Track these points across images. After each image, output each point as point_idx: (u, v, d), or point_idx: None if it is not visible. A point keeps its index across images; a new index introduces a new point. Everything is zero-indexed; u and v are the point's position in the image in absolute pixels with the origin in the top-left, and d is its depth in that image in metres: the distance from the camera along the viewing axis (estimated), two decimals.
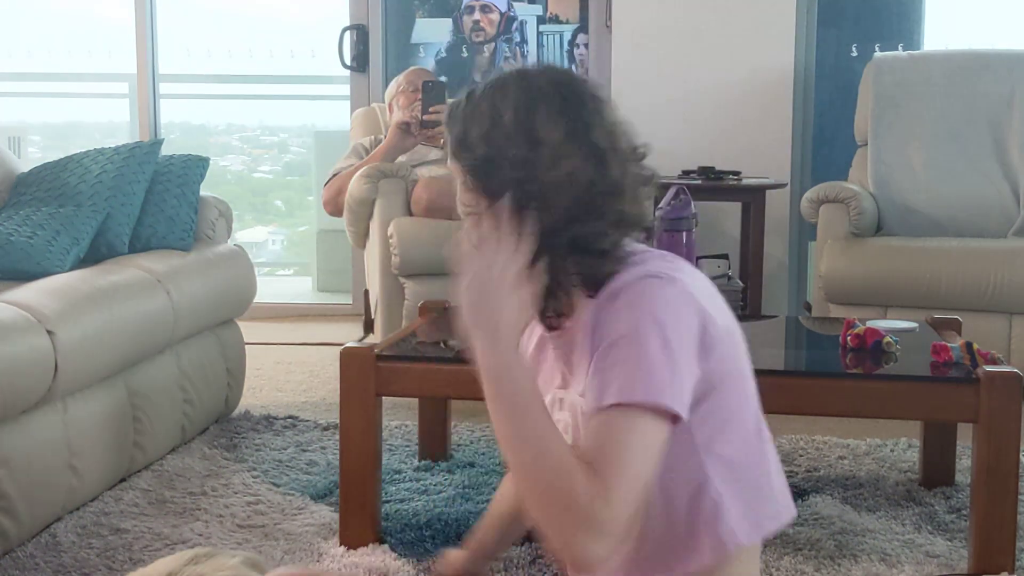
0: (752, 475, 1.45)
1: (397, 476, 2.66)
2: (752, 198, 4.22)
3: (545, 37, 5.11)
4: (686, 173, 4.30)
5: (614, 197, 1.41)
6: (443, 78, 3.98)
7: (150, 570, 1.80)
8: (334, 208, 3.83)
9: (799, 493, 2.54)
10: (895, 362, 2.23)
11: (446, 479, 2.64)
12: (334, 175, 3.93)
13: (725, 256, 4.19)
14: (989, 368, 2.04)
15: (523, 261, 1.35)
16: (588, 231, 1.40)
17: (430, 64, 5.11)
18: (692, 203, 2.25)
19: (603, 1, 4.72)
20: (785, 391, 2.08)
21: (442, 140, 3.86)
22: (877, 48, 4.75)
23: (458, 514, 2.38)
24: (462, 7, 5.16)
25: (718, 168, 4.31)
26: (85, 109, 7.08)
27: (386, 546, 2.21)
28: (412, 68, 4.23)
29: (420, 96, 3.85)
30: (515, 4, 5.11)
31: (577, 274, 1.42)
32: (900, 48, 4.78)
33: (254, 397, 3.51)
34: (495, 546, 1.79)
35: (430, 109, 3.84)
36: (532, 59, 5.02)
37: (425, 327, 2.59)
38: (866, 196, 3.79)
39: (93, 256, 2.84)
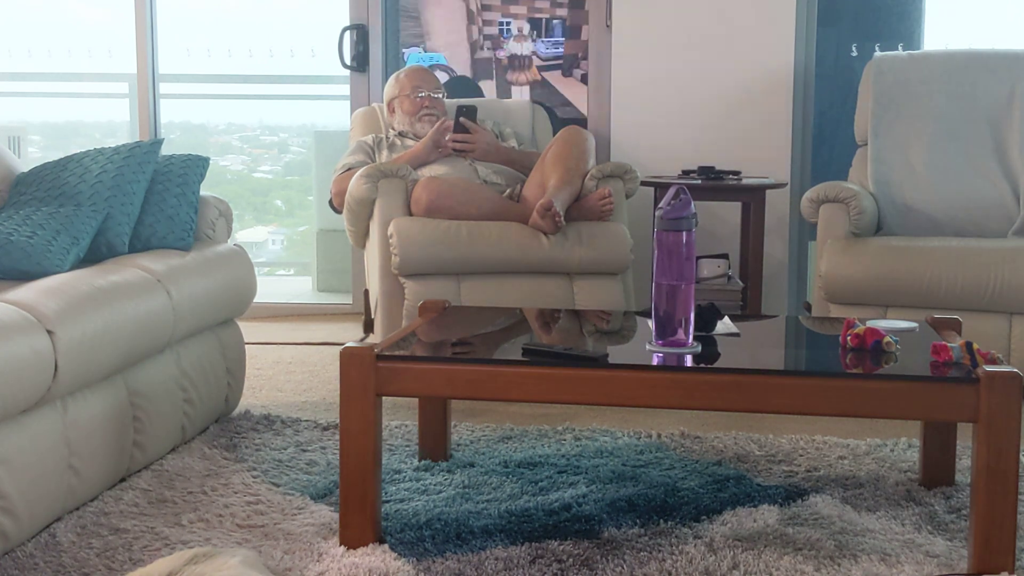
0: None
1: (397, 476, 2.66)
2: (752, 198, 4.22)
3: None
4: (686, 173, 4.30)
5: None
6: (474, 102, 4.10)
7: (150, 570, 1.81)
8: (343, 201, 3.82)
9: (799, 493, 2.54)
10: (895, 362, 2.23)
11: (446, 479, 2.64)
12: (347, 169, 3.94)
13: (725, 256, 4.20)
14: (989, 368, 2.04)
15: None
16: None
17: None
18: (692, 203, 2.25)
19: (603, 1, 4.72)
20: (785, 391, 2.09)
21: (471, 155, 3.92)
22: (877, 48, 4.76)
23: (458, 514, 2.38)
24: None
25: (718, 168, 4.32)
26: (85, 109, 7.08)
27: (386, 546, 2.21)
28: (412, 67, 4.23)
29: (429, 106, 4.01)
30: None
31: None
32: (900, 48, 4.78)
33: (254, 397, 3.51)
34: None
35: (461, 124, 3.91)
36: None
37: (425, 327, 2.59)
38: (866, 196, 3.79)
39: (93, 256, 2.84)
